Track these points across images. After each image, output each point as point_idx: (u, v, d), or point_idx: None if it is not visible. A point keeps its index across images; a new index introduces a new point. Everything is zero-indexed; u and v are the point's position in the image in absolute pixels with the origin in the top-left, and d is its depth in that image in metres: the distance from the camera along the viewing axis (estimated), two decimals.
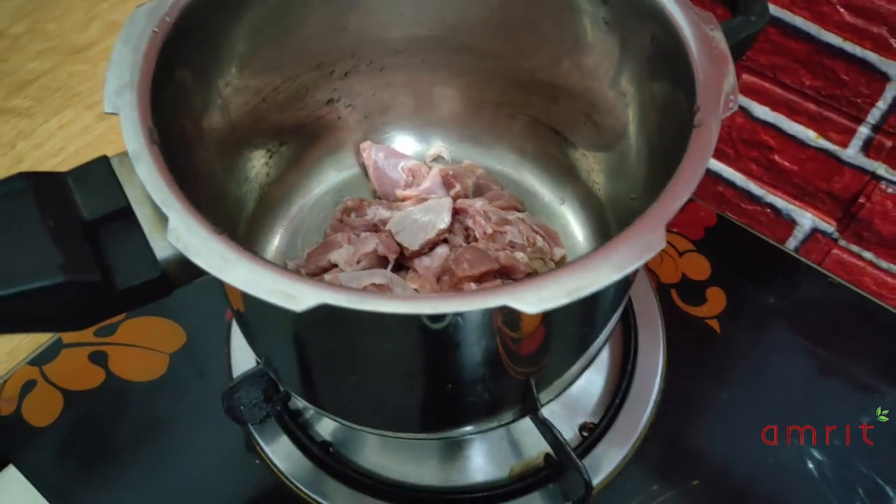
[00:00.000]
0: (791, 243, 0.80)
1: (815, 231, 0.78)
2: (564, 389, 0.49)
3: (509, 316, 0.37)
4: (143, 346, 0.62)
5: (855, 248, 0.76)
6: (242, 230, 0.55)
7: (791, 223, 0.79)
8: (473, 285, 0.48)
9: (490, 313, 0.36)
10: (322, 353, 0.42)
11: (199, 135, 0.48)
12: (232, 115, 0.52)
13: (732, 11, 0.49)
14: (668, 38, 0.43)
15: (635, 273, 0.36)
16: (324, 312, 0.32)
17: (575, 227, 0.60)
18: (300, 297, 0.32)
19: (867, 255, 0.75)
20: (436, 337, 0.37)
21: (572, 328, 0.43)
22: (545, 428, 0.53)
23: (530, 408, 0.48)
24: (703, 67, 0.41)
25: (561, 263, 0.57)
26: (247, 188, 0.56)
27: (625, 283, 0.45)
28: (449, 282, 0.49)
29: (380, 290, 0.50)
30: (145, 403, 0.60)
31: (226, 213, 0.54)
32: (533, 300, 0.32)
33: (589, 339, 0.46)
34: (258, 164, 0.57)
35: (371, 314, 0.32)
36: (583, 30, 0.50)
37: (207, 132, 0.49)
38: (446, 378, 0.41)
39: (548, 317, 0.39)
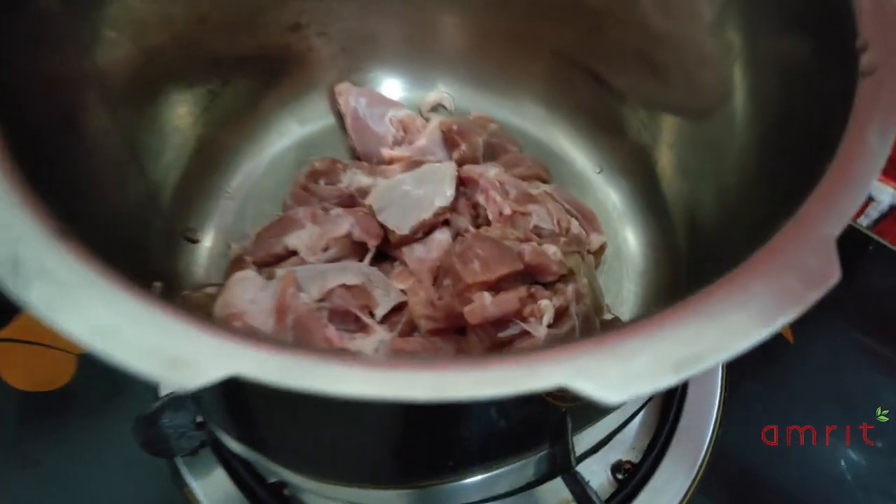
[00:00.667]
0: (863, 220, 0.66)
1: (894, 208, 0.64)
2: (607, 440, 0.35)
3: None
4: (42, 344, 0.47)
5: None
6: (167, 200, 0.40)
7: (867, 198, 0.65)
8: (487, 295, 0.33)
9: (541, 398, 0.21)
10: (264, 412, 0.28)
11: (89, 75, 0.33)
12: (149, 42, 0.37)
13: None
14: None
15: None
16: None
17: (616, 204, 0.46)
18: (197, 362, 0.18)
19: None
20: (436, 416, 0.23)
21: None
22: (573, 480, 0.39)
23: (563, 466, 0.34)
24: None
25: (601, 254, 0.43)
26: (175, 142, 0.41)
27: None
28: (452, 288, 0.34)
29: (352, 293, 0.36)
30: (44, 421, 0.46)
31: (142, 176, 0.39)
32: (616, 379, 0.18)
33: None
34: (192, 109, 0.42)
35: (322, 397, 0.18)
36: None
37: (106, 70, 0.34)
38: (446, 456, 0.27)
39: None
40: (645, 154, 0.43)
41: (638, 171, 0.45)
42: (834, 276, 0.20)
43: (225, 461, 0.43)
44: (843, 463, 0.47)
